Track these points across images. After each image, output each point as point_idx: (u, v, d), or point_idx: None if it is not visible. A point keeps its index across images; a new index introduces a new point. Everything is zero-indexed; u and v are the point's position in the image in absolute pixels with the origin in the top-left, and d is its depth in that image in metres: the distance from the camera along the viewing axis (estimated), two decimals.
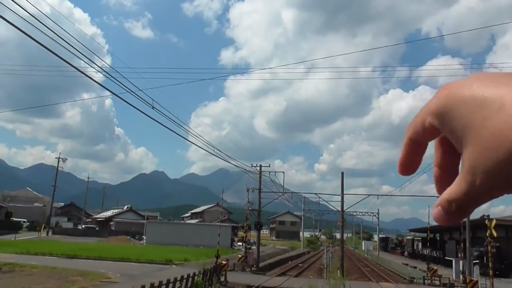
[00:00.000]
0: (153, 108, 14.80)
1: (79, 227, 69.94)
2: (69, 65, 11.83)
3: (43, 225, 58.30)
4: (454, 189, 0.53)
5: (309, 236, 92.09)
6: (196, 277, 16.30)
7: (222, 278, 20.28)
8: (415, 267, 32.58)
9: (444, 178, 0.58)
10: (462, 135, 0.51)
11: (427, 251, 43.34)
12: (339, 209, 34.37)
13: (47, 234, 57.51)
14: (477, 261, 28.47)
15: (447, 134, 0.53)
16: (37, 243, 37.98)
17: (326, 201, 44.86)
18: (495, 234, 20.50)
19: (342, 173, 33.77)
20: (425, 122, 0.54)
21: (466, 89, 0.51)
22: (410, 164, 0.59)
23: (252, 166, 34.58)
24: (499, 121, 0.48)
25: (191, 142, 21.29)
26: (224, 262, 20.96)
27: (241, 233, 58.47)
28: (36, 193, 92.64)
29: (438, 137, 0.57)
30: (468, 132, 0.50)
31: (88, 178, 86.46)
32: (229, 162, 27.18)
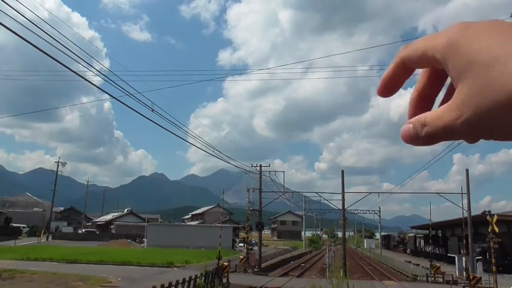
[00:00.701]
0: (152, 111, 14.67)
1: (79, 232, 69.74)
2: (68, 69, 11.72)
3: (43, 230, 58.06)
4: (434, 115, 0.53)
5: (310, 235, 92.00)
6: (197, 279, 16.15)
7: (224, 280, 20.13)
8: (418, 265, 32.45)
9: (420, 104, 0.58)
10: (464, 70, 0.50)
11: (430, 248, 43.28)
12: (340, 207, 34.24)
13: (47, 239, 57.29)
14: (480, 257, 28.38)
15: (447, 68, 0.52)
16: (37, 249, 37.80)
17: (327, 200, 44.78)
18: (497, 229, 20.39)
19: (342, 171, 33.65)
20: (427, 52, 0.53)
21: (480, 30, 0.50)
22: (392, 84, 0.59)
23: (252, 166, 34.48)
24: (510, 66, 0.47)
25: (191, 144, 21.17)
26: (226, 264, 20.83)
27: (242, 234, 58.33)
28: (36, 198, 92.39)
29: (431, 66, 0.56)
30: (472, 68, 0.49)
31: (88, 181, 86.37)
32: (229, 163, 27.07)
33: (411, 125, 0.55)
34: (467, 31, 0.50)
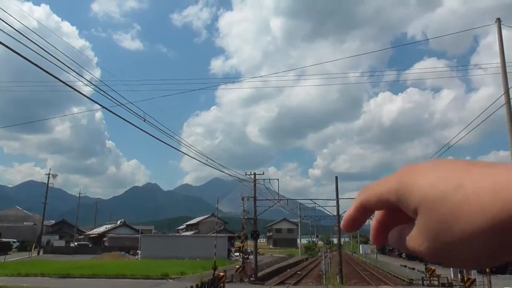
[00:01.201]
0: (144, 121, 14.58)
1: (71, 245, 68.71)
2: (58, 80, 11.60)
3: (34, 245, 57.11)
4: (410, 235, 0.56)
5: (306, 242, 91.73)
6: None
7: None
8: (413, 269, 32.45)
9: (381, 232, 0.62)
10: (417, 206, 0.55)
11: None
12: (335, 213, 34.21)
13: (38, 253, 56.31)
14: None
15: (402, 207, 0.56)
16: (28, 264, 37.12)
17: (322, 207, 44.75)
18: None
19: (336, 177, 33.69)
20: (382, 196, 0.56)
21: (425, 169, 0.55)
22: (355, 224, 0.62)
23: (246, 174, 34.33)
24: (457, 199, 0.53)
25: (184, 153, 21.04)
26: (222, 274, 20.62)
27: (238, 243, 57.95)
28: (26, 212, 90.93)
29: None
30: (423, 204, 0.54)
31: (80, 193, 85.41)
32: (223, 172, 26.95)
33: (400, 231, 0.58)
34: (414, 172, 0.55)
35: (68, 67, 11.81)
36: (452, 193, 0.52)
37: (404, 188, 0.55)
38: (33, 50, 10.49)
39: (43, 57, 10.74)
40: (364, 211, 0.59)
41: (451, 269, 29.79)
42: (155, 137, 15.82)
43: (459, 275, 26.70)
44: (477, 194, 0.52)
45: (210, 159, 23.12)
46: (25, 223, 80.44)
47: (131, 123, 14.35)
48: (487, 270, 20.33)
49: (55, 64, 11.19)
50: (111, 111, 13.89)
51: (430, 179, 0.54)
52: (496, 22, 19.21)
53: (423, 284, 26.94)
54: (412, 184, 0.55)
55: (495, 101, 16.53)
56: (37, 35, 11.18)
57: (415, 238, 0.55)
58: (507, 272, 29.89)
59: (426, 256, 0.55)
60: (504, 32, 19.24)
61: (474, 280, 21.74)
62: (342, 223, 0.63)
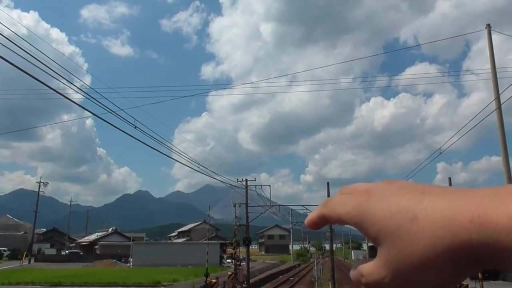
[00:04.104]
0: (135, 128, 14.61)
1: (62, 253, 67.98)
2: (47, 87, 11.60)
3: (25, 253, 56.44)
4: (368, 269, 0.58)
5: (298, 248, 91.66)
6: None
7: None
8: None
9: None
10: (377, 237, 0.57)
11: None
12: None
13: (29, 262, 55.63)
14: None
15: (362, 233, 0.58)
16: (19, 272, 36.66)
17: None
18: None
19: (328, 183, 33.84)
20: (342, 218, 0.58)
21: (380, 197, 0.57)
22: (316, 227, 0.63)
23: (238, 181, 34.37)
24: (413, 232, 0.55)
25: (175, 160, 21.07)
26: (214, 281, 20.59)
27: (230, 250, 57.74)
28: (17, 220, 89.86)
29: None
30: (382, 236, 0.57)
31: (71, 201, 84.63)
32: (214, 178, 26.96)
33: (356, 271, 0.59)
34: (370, 200, 0.57)
35: (58, 74, 11.81)
36: (408, 227, 0.55)
37: (362, 217, 0.57)
38: (22, 57, 10.48)
39: (32, 64, 10.72)
40: (325, 221, 0.61)
41: None
42: (146, 144, 15.85)
43: None
44: (430, 227, 0.55)
45: (202, 166, 23.16)
46: (15, 232, 79.47)
47: (122, 130, 14.39)
48: (480, 276, 20.51)
49: (45, 72, 11.17)
50: (102, 118, 13.92)
51: (386, 211, 0.56)
52: (486, 28, 19.51)
53: None
54: (369, 213, 0.57)
55: (486, 107, 16.69)
56: (27, 42, 11.20)
57: (378, 269, 0.57)
58: (499, 278, 30.20)
59: (386, 286, 0.57)
60: (494, 37, 19.55)
61: (467, 286, 21.92)
62: (306, 220, 0.64)
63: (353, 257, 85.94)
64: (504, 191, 0.55)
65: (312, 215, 0.63)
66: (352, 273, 0.60)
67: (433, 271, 0.56)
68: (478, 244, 0.55)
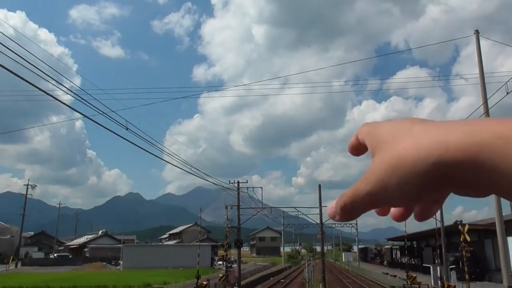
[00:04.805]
0: (127, 129, 14.56)
1: (50, 256, 67.12)
2: (36, 88, 11.48)
3: (11, 257, 55.61)
4: (350, 189, 0.61)
5: (289, 250, 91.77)
6: None
7: None
8: (395, 276, 32.84)
9: None
10: (374, 147, 0.62)
11: (406, 259, 43.92)
12: (318, 222, 34.47)
13: (16, 266, 54.88)
14: (454, 266, 29.02)
15: (370, 150, 0.64)
16: (5, 277, 36.20)
17: (305, 215, 45.00)
18: (468, 238, 20.94)
19: (319, 185, 34.02)
20: (359, 138, 0.67)
21: (385, 121, 0.65)
22: (354, 150, 0.70)
23: (230, 182, 34.35)
24: (402, 139, 0.59)
25: (167, 162, 21.00)
26: (205, 283, 20.56)
27: (221, 252, 57.62)
28: (3, 223, 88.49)
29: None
30: (379, 145, 0.61)
31: (60, 204, 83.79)
32: (206, 180, 26.92)
33: (334, 202, 0.63)
34: (378, 124, 0.65)
35: (47, 74, 11.69)
36: (401, 136, 0.59)
37: (369, 133, 0.64)
38: (10, 58, 10.35)
39: (20, 64, 10.59)
40: (359, 143, 0.67)
41: (432, 275, 30.24)
42: (138, 146, 15.79)
43: (439, 282, 27.19)
44: (419, 137, 0.58)
45: (194, 168, 23.12)
46: (2, 235, 78.23)
47: (113, 132, 14.32)
48: (467, 277, 20.76)
49: (34, 72, 11.07)
50: (93, 120, 13.85)
51: (390, 127, 0.62)
52: (474, 34, 19.79)
53: None
54: (374, 130, 0.64)
55: (474, 111, 16.97)
56: (15, 42, 11.08)
57: (363, 179, 0.59)
58: (485, 279, 30.59)
59: (363, 198, 0.59)
60: (482, 43, 19.82)
61: (454, 287, 22.17)
62: (349, 147, 0.70)
63: (343, 259, 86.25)
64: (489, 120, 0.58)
65: (351, 140, 0.69)
66: (329, 205, 0.64)
67: (405, 171, 0.58)
68: (456, 146, 0.58)
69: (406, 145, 0.58)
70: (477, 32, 19.57)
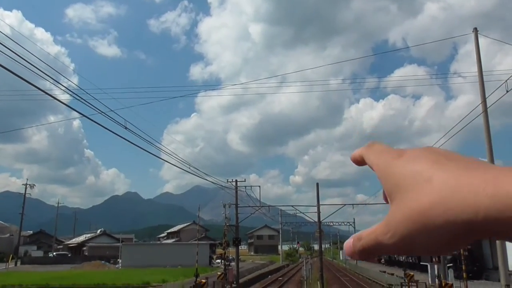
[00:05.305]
0: (126, 129, 14.64)
1: (50, 255, 67.19)
2: (34, 87, 11.49)
3: (11, 256, 55.68)
4: (369, 230, 0.58)
5: (287, 249, 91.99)
6: None
7: None
8: (392, 274, 33.04)
9: None
10: (392, 190, 0.58)
11: (403, 258, 44.09)
12: (316, 220, 34.62)
13: (16, 264, 54.94)
14: (451, 264, 29.21)
15: (382, 185, 0.59)
16: (4, 275, 36.26)
17: (303, 213, 45.16)
18: None
19: (317, 184, 34.11)
20: (372, 166, 0.62)
21: (408, 158, 0.58)
22: (357, 163, 0.66)
23: (228, 181, 34.46)
24: (424, 190, 0.56)
25: (165, 161, 21.08)
26: (203, 281, 20.68)
27: (219, 250, 57.76)
28: (2, 222, 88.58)
29: None
30: (396, 191, 0.57)
31: (58, 203, 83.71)
32: (205, 179, 27.02)
33: (351, 240, 0.60)
34: (400, 159, 0.58)
35: (45, 73, 11.70)
36: (422, 185, 0.56)
37: (387, 171, 0.58)
38: (7, 56, 10.37)
39: (18, 63, 10.59)
40: (362, 161, 0.64)
41: (429, 274, 30.44)
42: (137, 146, 15.87)
43: (436, 280, 27.36)
44: (440, 188, 0.56)
45: (193, 167, 23.21)
46: (1, 234, 78.24)
47: (112, 132, 14.39)
48: (464, 275, 20.92)
49: (32, 71, 11.04)
50: (91, 119, 13.92)
51: (408, 170, 0.57)
52: (473, 31, 19.78)
53: None
54: (393, 170, 0.58)
55: (473, 110, 16.94)
56: (12, 40, 11.11)
57: (383, 225, 0.57)
58: (483, 277, 30.80)
59: (385, 245, 0.57)
60: (481, 40, 19.72)
61: (452, 285, 22.31)
62: (351, 156, 0.68)
63: (341, 257, 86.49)
64: None
65: (356, 152, 0.66)
66: (347, 241, 0.60)
67: (433, 230, 0.57)
68: (486, 211, 0.56)
69: (431, 200, 0.56)
70: (476, 30, 19.44)
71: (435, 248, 0.57)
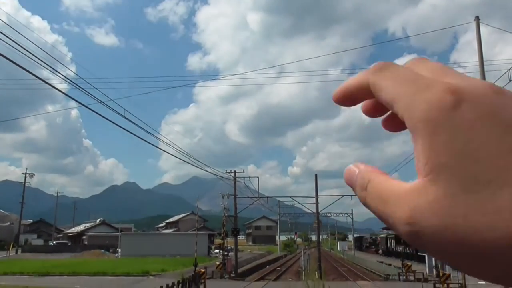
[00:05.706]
0: (125, 118, 14.69)
1: (50, 244, 67.65)
2: (32, 76, 11.47)
3: (11, 244, 56.06)
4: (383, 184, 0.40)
5: (285, 239, 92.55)
6: (174, 287, 16.17)
7: (202, 286, 20.18)
8: (389, 264, 33.38)
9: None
10: (392, 101, 0.41)
11: (401, 248, 44.49)
12: (314, 211, 34.86)
13: (16, 252, 55.33)
14: None
15: (379, 98, 0.42)
16: (5, 263, 36.52)
17: (301, 204, 45.40)
18: None
19: (316, 175, 34.33)
20: (363, 83, 0.43)
21: (403, 66, 0.42)
22: (348, 100, 0.47)
23: (226, 172, 34.62)
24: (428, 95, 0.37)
25: (164, 151, 21.20)
26: (202, 270, 20.88)
27: (218, 240, 58.16)
28: (2, 211, 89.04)
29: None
30: (397, 99, 0.40)
31: (57, 192, 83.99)
32: (203, 170, 27.17)
33: (356, 173, 0.44)
34: (393, 66, 0.43)
35: (43, 61, 11.65)
36: (424, 91, 0.38)
37: (381, 78, 0.42)
38: (5, 42, 10.32)
39: (16, 50, 10.52)
40: (352, 95, 0.46)
41: (427, 264, 30.78)
42: (136, 135, 15.95)
43: (434, 270, 27.68)
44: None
45: (192, 158, 23.32)
46: (1, 223, 78.66)
47: (112, 121, 14.44)
48: None
49: (31, 59, 11.02)
50: (90, 109, 13.96)
51: (407, 74, 0.41)
52: (475, 20, 19.51)
53: (399, 280, 27.73)
54: (388, 77, 0.42)
55: None
56: (11, 27, 11.09)
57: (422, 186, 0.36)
58: None
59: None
60: (482, 29, 19.35)
61: (449, 275, 22.57)
62: (336, 92, 0.46)
63: (339, 248, 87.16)
64: None
65: (353, 80, 0.45)
66: (350, 170, 0.46)
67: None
68: None
69: None
70: (477, 19, 18.98)
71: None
